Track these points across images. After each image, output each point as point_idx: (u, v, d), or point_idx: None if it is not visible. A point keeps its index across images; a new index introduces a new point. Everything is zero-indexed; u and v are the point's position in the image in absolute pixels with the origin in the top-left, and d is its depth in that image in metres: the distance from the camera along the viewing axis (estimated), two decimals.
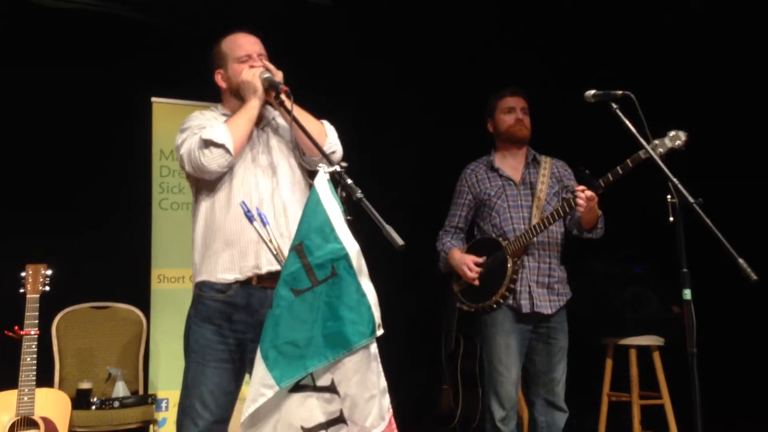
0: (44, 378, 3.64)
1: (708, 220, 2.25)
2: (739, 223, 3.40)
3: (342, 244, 1.95)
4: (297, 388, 1.91)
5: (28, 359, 2.93)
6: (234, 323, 2.33)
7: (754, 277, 2.17)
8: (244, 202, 2.24)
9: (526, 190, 3.30)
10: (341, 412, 1.92)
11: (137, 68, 4.39)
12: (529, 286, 3.17)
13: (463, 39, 4.80)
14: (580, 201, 2.95)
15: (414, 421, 4.64)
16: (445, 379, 4.37)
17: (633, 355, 4.04)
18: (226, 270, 2.34)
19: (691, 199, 2.31)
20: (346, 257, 1.95)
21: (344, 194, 2.03)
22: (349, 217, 2.02)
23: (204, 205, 2.42)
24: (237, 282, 2.33)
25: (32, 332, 2.99)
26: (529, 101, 3.40)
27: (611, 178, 2.91)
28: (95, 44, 4.35)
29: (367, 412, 1.92)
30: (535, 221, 3.21)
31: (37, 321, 3.02)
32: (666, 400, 3.97)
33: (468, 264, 3.21)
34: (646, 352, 4.06)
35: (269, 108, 2.54)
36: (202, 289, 2.38)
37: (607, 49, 4.72)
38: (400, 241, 1.85)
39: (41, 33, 4.29)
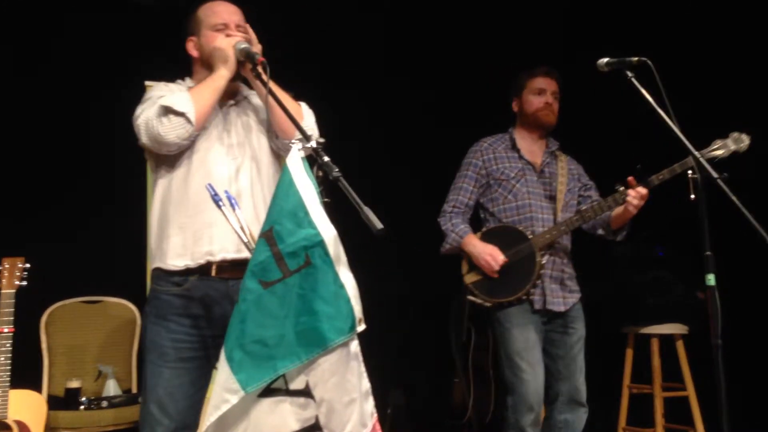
0: (32, 376, 3.51)
1: (734, 198, 2.03)
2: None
3: (317, 229, 1.74)
4: (267, 392, 1.70)
5: (2, 359, 2.77)
6: (191, 319, 2.13)
7: None
8: (210, 185, 2.03)
9: (544, 179, 3.10)
10: (317, 418, 1.71)
11: (130, 51, 4.20)
12: (543, 282, 2.98)
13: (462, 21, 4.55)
14: (631, 200, 2.80)
15: (425, 415, 4.48)
16: (457, 373, 4.17)
17: (655, 344, 3.85)
18: (177, 255, 2.14)
19: (714, 174, 2.10)
20: (321, 244, 1.73)
21: (320, 174, 1.82)
22: (325, 200, 1.80)
23: (161, 185, 2.24)
24: (190, 270, 2.13)
25: (6, 330, 2.81)
26: (561, 86, 3.17)
27: (667, 176, 2.78)
28: (86, 26, 4.17)
29: (346, 418, 1.71)
30: (558, 215, 3.01)
31: (12, 318, 2.85)
32: (690, 392, 3.77)
33: (493, 255, 2.95)
34: (669, 341, 3.85)
35: (242, 85, 2.37)
36: (157, 282, 2.19)
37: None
38: (379, 225, 1.64)
39: (30, 15, 4.11)
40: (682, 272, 3.89)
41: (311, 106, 2.40)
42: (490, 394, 3.98)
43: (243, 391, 1.67)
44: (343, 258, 1.76)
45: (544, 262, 2.95)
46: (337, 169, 1.77)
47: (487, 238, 3.04)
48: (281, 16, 4.07)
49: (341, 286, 1.73)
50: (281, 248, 1.73)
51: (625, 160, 2.94)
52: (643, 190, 2.80)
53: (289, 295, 1.72)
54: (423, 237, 3.38)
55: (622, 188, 2.85)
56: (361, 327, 1.75)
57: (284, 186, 1.78)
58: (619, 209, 2.91)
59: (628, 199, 2.80)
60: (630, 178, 2.83)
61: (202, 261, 2.13)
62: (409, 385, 4.54)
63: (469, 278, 3.06)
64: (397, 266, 4.63)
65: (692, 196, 2.16)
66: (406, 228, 4.13)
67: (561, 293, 3.00)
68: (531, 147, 3.15)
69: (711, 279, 2.10)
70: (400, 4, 4.48)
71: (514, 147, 3.13)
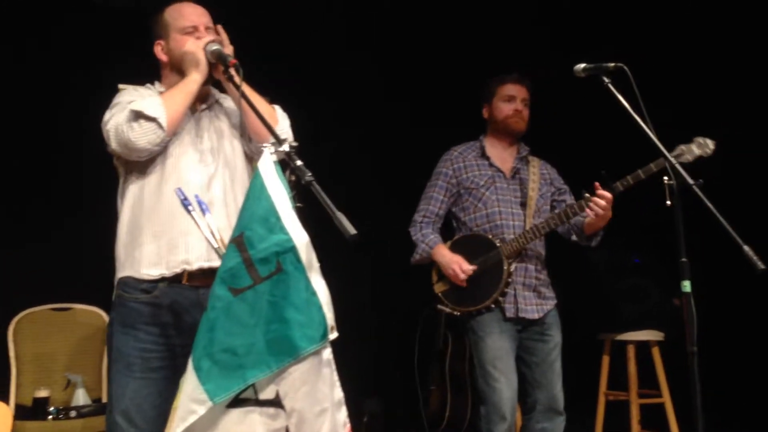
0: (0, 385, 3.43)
1: (710, 204, 2.02)
2: (745, 206, 3.17)
3: (289, 235, 1.71)
4: (236, 402, 1.66)
5: None
6: (160, 327, 2.08)
7: (761, 266, 1.95)
8: (180, 189, 1.99)
9: (515, 185, 3.08)
10: (287, 429, 1.67)
11: (104, 52, 4.13)
12: (515, 289, 2.96)
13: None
14: (594, 207, 2.75)
15: (401, 424, 4.44)
16: (433, 381, 4.14)
17: (631, 351, 3.84)
18: (151, 264, 2.08)
19: (690, 181, 2.09)
20: (293, 250, 1.70)
21: (293, 178, 1.78)
22: (298, 204, 1.77)
23: (132, 192, 2.18)
24: (163, 278, 2.08)
25: None
26: (531, 92, 3.15)
27: (631, 182, 2.74)
28: (60, 27, 4.10)
29: (317, 429, 1.67)
30: (529, 221, 2.99)
31: None
32: (666, 399, 3.77)
33: (460, 264, 2.95)
34: (644, 347, 3.84)
35: (213, 89, 2.33)
36: (124, 288, 2.13)
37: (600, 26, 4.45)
38: (352, 231, 1.61)
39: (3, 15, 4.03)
40: (659, 279, 3.90)
41: (285, 108, 2.36)
42: (466, 403, 3.94)
43: (211, 401, 1.63)
44: (316, 264, 1.73)
45: (512, 270, 2.93)
46: (309, 174, 1.74)
47: (456, 247, 3.04)
48: (252, 16, 4.02)
49: (313, 293, 1.70)
50: (252, 254, 1.70)
51: (612, 163, 2.93)
52: (607, 195, 2.75)
53: (259, 303, 1.68)
54: (402, 243, 3.35)
55: (587, 194, 2.83)
56: (334, 335, 1.71)
57: (255, 190, 1.74)
58: (591, 216, 2.89)
59: (591, 204, 2.77)
60: (596, 184, 2.80)
61: (177, 270, 2.08)
62: (386, 393, 4.50)
63: (439, 287, 3.08)
64: (374, 273, 4.60)
65: (668, 203, 2.15)
66: (385, 234, 4.12)
67: (535, 300, 2.98)
68: (501, 154, 3.13)
69: (687, 286, 2.08)
70: (377, 6, 4.45)
71: (483, 155, 3.11)
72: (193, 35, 2.22)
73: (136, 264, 2.10)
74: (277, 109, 2.29)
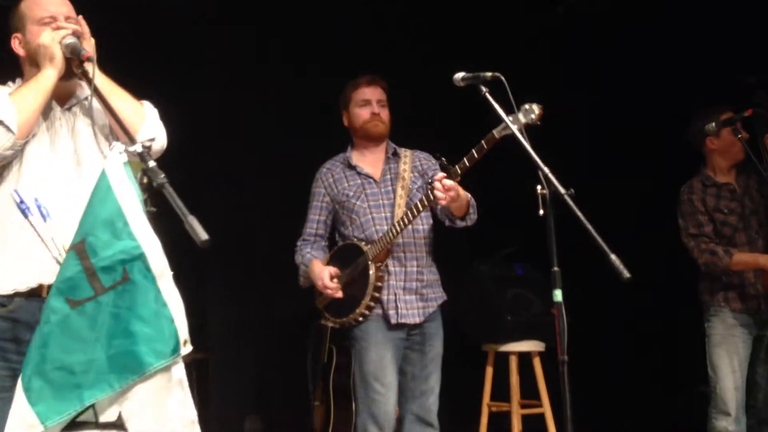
0: None
1: (579, 213, 2.04)
2: (616, 217, 3.26)
3: (137, 241, 1.57)
4: (73, 426, 1.51)
5: None
6: (19, 344, 1.89)
7: (626, 274, 1.98)
8: (16, 191, 1.81)
9: (387, 187, 3.02)
10: None
11: None
12: (396, 294, 2.89)
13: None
14: (438, 193, 2.64)
15: None
16: (317, 396, 4.04)
17: (513, 361, 3.85)
18: (2, 279, 1.91)
19: (562, 190, 2.10)
20: (141, 257, 1.56)
21: (146, 180, 1.65)
22: (151, 208, 1.63)
23: None
24: (17, 294, 1.91)
25: None
26: (388, 91, 3.08)
27: (467, 164, 2.65)
28: None
29: None
30: (398, 220, 2.93)
31: None
32: (546, 409, 3.80)
33: (323, 278, 2.87)
34: (527, 358, 3.88)
35: (83, 85, 2.14)
36: None
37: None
38: (203, 236, 1.49)
39: None
40: (541, 289, 3.95)
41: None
42: (350, 417, 3.87)
43: (42, 425, 1.47)
44: (168, 273, 1.60)
45: (381, 273, 2.88)
46: (163, 175, 1.61)
47: (333, 259, 2.99)
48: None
49: (164, 305, 1.57)
50: (94, 262, 1.56)
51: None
52: (447, 182, 2.65)
53: (101, 315, 1.54)
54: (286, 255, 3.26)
55: (429, 186, 2.77)
56: (187, 349, 1.59)
57: (100, 193, 1.60)
58: (440, 202, 2.77)
59: (435, 192, 2.67)
60: (436, 177, 2.72)
61: (33, 284, 1.92)
62: (267, 410, 4.38)
63: (320, 302, 3.02)
64: (258, 285, 4.48)
65: (541, 212, 2.15)
66: (273, 246, 4.00)
67: (417, 304, 2.92)
68: (369, 159, 3.06)
69: (558, 295, 2.11)
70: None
71: (350, 165, 3.05)
72: (51, 26, 2.05)
73: None
74: (146, 105, 2.15)
